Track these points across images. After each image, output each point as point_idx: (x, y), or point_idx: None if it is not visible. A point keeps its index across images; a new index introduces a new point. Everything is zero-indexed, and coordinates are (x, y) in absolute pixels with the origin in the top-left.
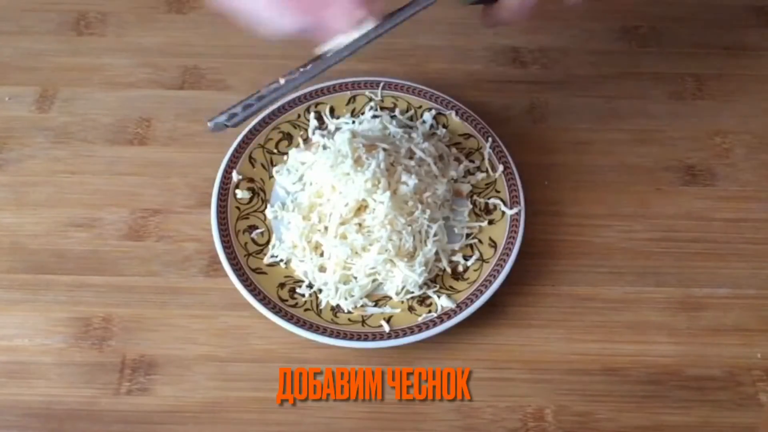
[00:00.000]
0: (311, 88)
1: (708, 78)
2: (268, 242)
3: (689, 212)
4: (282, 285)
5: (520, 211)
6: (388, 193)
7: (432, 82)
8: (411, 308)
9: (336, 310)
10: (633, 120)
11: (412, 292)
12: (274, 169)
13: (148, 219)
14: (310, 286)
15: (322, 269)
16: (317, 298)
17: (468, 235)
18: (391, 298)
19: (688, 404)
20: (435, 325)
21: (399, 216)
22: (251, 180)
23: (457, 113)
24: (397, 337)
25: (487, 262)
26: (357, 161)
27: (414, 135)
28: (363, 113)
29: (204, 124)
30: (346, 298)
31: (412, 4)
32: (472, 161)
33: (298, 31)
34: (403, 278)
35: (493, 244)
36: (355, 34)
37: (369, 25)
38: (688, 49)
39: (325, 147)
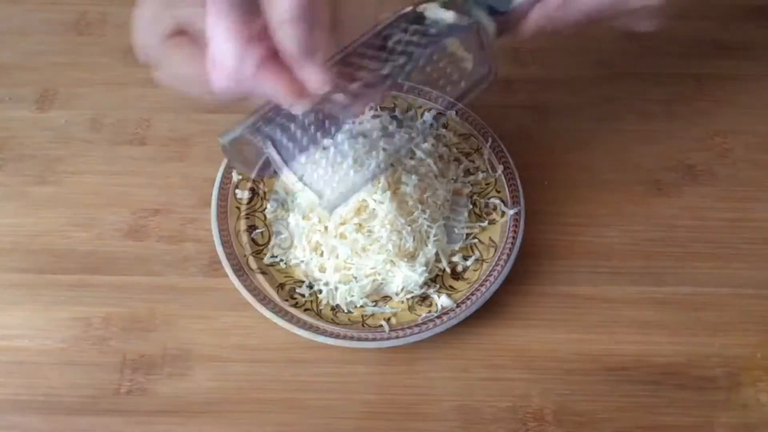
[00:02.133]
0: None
1: (708, 78)
2: (268, 242)
3: (689, 212)
4: (282, 285)
5: (519, 211)
6: (388, 194)
7: None
8: (411, 308)
9: (336, 310)
10: (633, 120)
11: (413, 292)
12: None
13: (149, 219)
14: (311, 286)
15: (322, 269)
16: (317, 298)
17: (468, 235)
18: (391, 297)
19: (688, 404)
20: (435, 324)
21: (399, 216)
22: (251, 180)
23: (456, 113)
24: (397, 337)
25: (487, 262)
26: (357, 161)
27: (414, 135)
28: (363, 113)
29: (203, 123)
30: (346, 298)
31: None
32: (471, 161)
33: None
34: (403, 278)
35: (493, 245)
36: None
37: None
38: (689, 50)
39: (325, 147)
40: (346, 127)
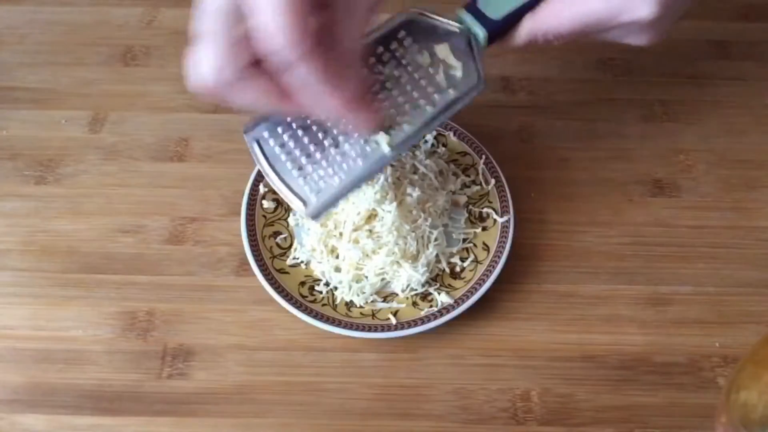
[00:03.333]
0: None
1: (673, 103)
2: (290, 246)
3: (657, 220)
4: (302, 283)
5: (509, 219)
6: (394, 204)
7: None
8: (415, 303)
9: (349, 305)
10: (608, 140)
11: (416, 290)
12: None
13: (186, 226)
14: (327, 284)
15: (337, 270)
16: (333, 294)
17: (464, 240)
18: (397, 294)
19: (656, 387)
20: (436, 318)
21: (404, 223)
22: (276, 192)
23: (455, 134)
24: (402, 328)
25: (481, 264)
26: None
27: (417, 153)
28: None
29: (235, 143)
30: (358, 295)
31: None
32: (468, 176)
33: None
34: (407, 277)
35: (486, 248)
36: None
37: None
38: (657, 78)
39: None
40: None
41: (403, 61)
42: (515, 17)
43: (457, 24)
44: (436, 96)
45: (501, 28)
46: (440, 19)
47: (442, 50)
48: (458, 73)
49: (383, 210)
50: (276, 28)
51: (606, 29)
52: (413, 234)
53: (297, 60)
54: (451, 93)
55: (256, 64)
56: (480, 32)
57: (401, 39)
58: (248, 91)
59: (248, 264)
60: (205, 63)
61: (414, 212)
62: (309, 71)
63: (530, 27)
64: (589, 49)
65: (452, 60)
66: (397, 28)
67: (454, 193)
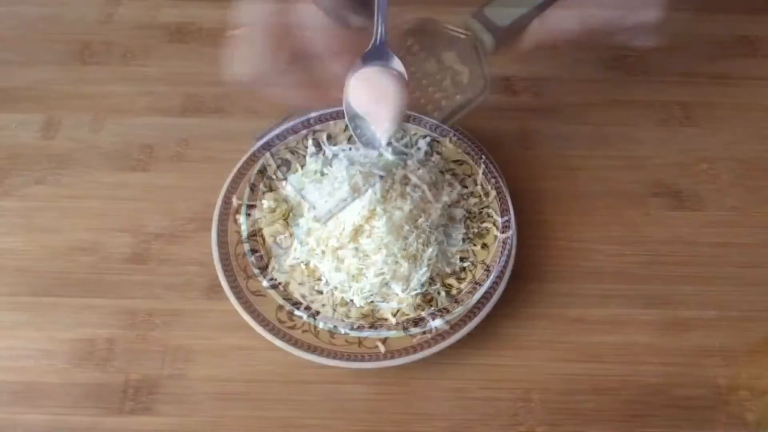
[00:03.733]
0: (311, 116)
1: (695, 106)
2: (267, 266)
3: (677, 236)
4: (281, 307)
5: (512, 235)
6: (384, 218)
7: None
8: (406, 329)
9: (332, 332)
10: (622, 146)
11: (407, 314)
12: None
13: (151, 243)
14: (308, 308)
15: (319, 293)
16: (314, 320)
17: (461, 259)
18: (386, 319)
19: (676, 423)
20: (429, 346)
21: (394, 240)
22: (251, 206)
23: (450, 140)
24: (392, 357)
25: (480, 285)
26: (354, 187)
27: (409, 162)
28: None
29: (205, 149)
30: (342, 320)
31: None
32: (465, 186)
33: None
34: (398, 300)
35: (486, 268)
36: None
37: None
38: (675, 78)
39: (323, 173)
40: (343, 153)
41: (411, 69)
42: (522, 23)
43: (464, 31)
44: (443, 102)
45: (508, 35)
46: (448, 26)
47: (450, 57)
48: (465, 78)
49: (370, 225)
50: (317, 26)
51: (614, 33)
52: (404, 252)
53: (335, 56)
54: (458, 99)
55: (293, 60)
56: (488, 39)
57: (409, 47)
58: (284, 86)
59: (220, 286)
60: (245, 59)
61: (405, 228)
62: (344, 66)
63: (538, 32)
64: (601, 45)
65: (459, 66)
66: (405, 37)
67: (449, 206)
